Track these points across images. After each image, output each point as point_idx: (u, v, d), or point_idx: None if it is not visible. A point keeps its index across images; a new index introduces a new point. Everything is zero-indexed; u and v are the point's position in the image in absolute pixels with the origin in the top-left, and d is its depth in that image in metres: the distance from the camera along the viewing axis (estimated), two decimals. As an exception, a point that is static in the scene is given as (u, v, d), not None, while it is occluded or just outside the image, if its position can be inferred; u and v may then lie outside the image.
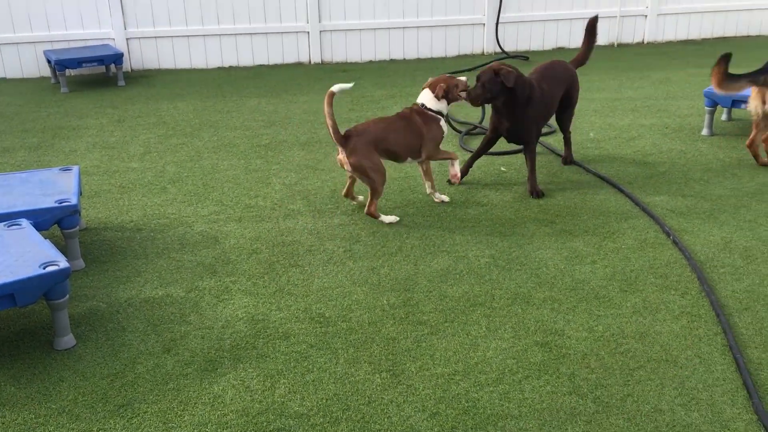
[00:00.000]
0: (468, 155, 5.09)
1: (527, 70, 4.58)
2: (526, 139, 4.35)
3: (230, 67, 8.45)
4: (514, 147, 5.23)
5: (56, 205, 3.33)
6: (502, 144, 5.35)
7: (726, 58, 4.59)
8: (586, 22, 5.03)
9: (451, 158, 4.20)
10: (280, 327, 2.93)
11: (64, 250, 3.41)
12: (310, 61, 8.65)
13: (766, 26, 9.96)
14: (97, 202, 4.33)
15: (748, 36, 9.91)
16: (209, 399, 2.48)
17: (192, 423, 2.36)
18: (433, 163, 4.56)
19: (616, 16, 9.28)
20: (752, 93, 4.59)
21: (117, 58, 7.38)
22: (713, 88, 4.72)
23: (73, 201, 3.38)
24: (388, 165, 4.55)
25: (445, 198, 4.26)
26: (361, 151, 3.90)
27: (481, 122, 5.79)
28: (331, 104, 3.86)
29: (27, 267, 2.68)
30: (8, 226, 3.07)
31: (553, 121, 5.88)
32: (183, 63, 8.31)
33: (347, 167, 3.94)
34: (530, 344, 2.78)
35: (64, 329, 2.78)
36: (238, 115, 6.36)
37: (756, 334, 2.83)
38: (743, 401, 2.44)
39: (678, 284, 3.23)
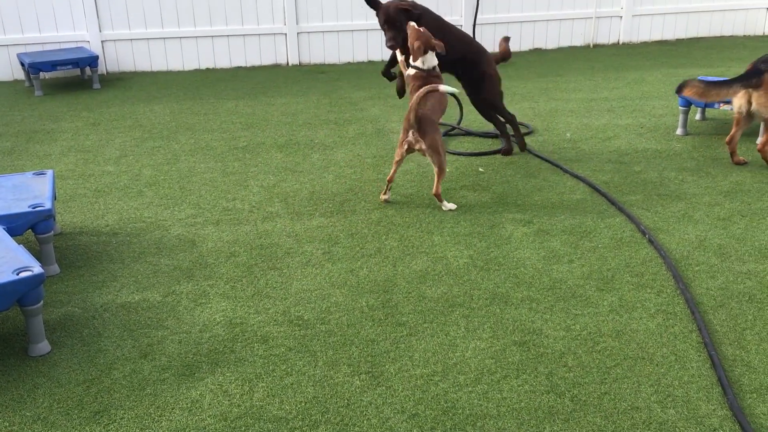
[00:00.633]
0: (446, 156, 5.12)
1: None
2: None
3: (207, 69, 8.41)
4: (492, 148, 5.26)
5: (30, 209, 3.29)
6: (480, 144, 5.38)
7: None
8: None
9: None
10: (258, 330, 2.92)
11: (38, 256, 3.37)
12: (287, 63, 8.63)
13: (738, 27, 10.11)
14: (73, 207, 4.28)
15: (721, 36, 10.05)
16: (187, 404, 2.46)
17: (169, 428, 2.34)
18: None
19: (591, 17, 9.36)
20: (739, 93, 4.64)
21: (92, 60, 7.30)
22: (696, 99, 4.82)
23: (47, 205, 3.33)
24: (368, 166, 4.54)
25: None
26: (432, 130, 4.05)
27: (458, 123, 5.81)
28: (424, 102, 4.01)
29: (1, 273, 2.64)
30: (-20, 232, 3.02)
31: (528, 119, 5.92)
32: (159, 65, 8.24)
33: (422, 146, 4.03)
34: (508, 344, 2.79)
35: (39, 335, 2.75)
36: (216, 117, 6.33)
37: (730, 331, 2.87)
38: (718, 398, 2.47)
39: (654, 282, 3.26)
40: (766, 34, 10.21)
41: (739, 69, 5.49)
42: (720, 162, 4.87)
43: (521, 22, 9.17)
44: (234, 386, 2.56)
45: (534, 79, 7.60)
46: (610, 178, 4.61)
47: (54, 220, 3.45)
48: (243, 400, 2.48)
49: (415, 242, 3.72)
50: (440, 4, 8.83)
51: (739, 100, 4.65)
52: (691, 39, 9.88)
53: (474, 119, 6.03)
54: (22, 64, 7.39)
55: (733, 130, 4.78)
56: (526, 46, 9.32)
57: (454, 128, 5.71)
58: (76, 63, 7.26)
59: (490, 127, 5.73)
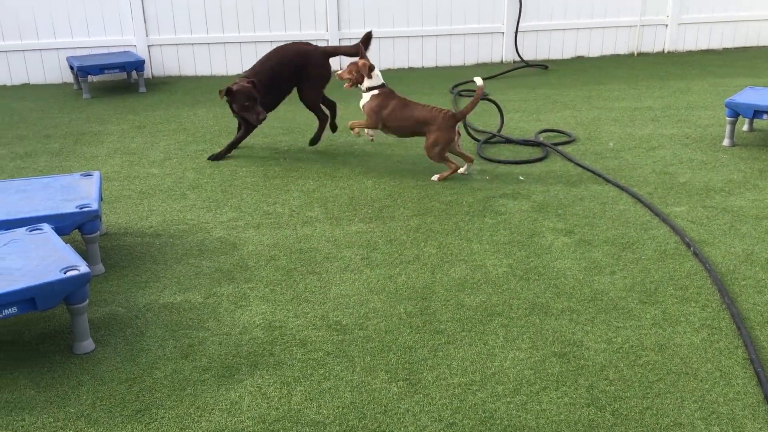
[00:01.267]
0: (486, 164, 5.09)
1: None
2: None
3: (250, 74, 8.50)
4: (533, 156, 5.22)
5: (77, 210, 3.36)
6: (521, 152, 5.34)
7: None
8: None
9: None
10: (297, 334, 2.94)
11: (84, 255, 3.44)
12: (329, 69, 8.68)
13: (788, 36, 9.86)
14: (118, 208, 4.37)
15: (770, 46, 9.82)
16: (226, 405, 2.49)
17: (209, 429, 2.37)
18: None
19: (636, 25, 9.23)
20: None
21: (138, 64, 7.46)
22: None
23: (94, 206, 3.41)
24: (406, 172, 4.54)
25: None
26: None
27: (499, 131, 5.78)
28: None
29: (48, 271, 2.71)
30: (30, 231, 3.10)
31: (570, 128, 5.85)
32: (203, 70, 8.38)
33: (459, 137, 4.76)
34: (548, 355, 2.76)
35: (84, 334, 2.81)
36: (257, 122, 6.38)
37: (778, 348, 2.79)
38: (764, 416, 2.40)
39: (698, 296, 3.19)
40: (817, 43, 9.94)
41: (790, 79, 5.35)
42: (768, 174, 4.76)
43: (563, 29, 9.09)
44: (272, 389, 2.58)
45: (576, 87, 7.52)
46: (654, 188, 4.53)
47: (100, 220, 3.53)
48: (281, 403, 2.50)
49: (453, 250, 3.71)
50: (482, 13, 8.81)
51: None
52: (738, 48, 9.66)
53: (515, 127, 5.99)
54: (71, 68, 7.57)
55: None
56: (568, 54, 9.23)
57: (494, 136, 5.68)
58: (123, 67, 7.42)
59: (530, 135, 5.69)
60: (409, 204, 4.36)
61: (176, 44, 8.20)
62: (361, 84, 4.92)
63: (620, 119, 6.24)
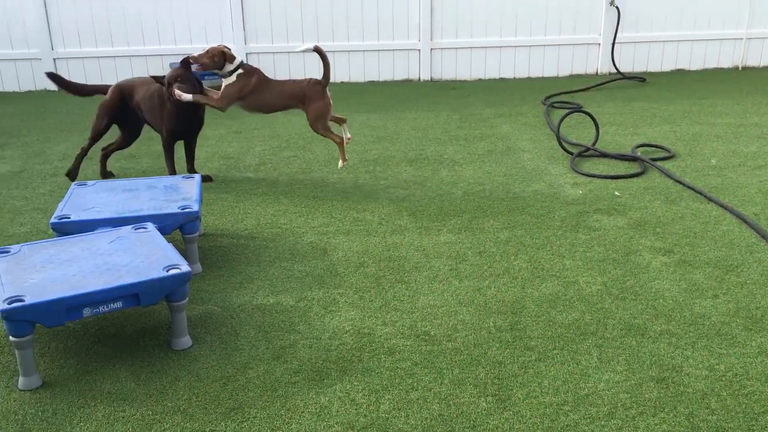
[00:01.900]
0: (580, 178, 4.97)
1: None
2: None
3: (342, 82, 8.65)
4: (629, 171, 5.06)
5: (179, 211, 3.50)
6: (616, 167, 5.18)
7: None
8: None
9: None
10: (385, 342, 2.95)
11: (183, 254, 3.57)
12: (419, 78, 8.72)
13: None
14: (215, 209, 4.52)
15: None
16: (316, 409, 2.52)
17: (299, 431, 2.40)
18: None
19: (741, 38, 8.81)
20: None
21: (236, 71, 7.70)
22: None
23: (195, 208, 3.53)
24: (497, 184, 4.47)
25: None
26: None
27: (594, 144, 5.63)
28: None
29: (152, 269, 2.83)
30: (135, 229, 3.25)
31: (669, 143, 5.64)
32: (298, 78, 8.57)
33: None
34: (645, 379, 2.66)
35: (182, 330, 2.91)
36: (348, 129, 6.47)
37: None
38: None
39: (810, 326, 3.00)
40: None
41: None
42: None
43: (663, 41, 8.78)
44: (361, 396, 2.59)
45: (676, 101, 7.24)
46: (761, 209, 4.30)
47: (200, 221, 3.65)
48: (369, 411, 2.51)
49: (545, 265, 3.63)
50: (578, 24, 8.63)
51: None
52: None
53: (610, 141, 5.83)
54: (174, 74, 7.91)
55: None
56: (667, 67, 8.91)
57: (588, 149, 5.54)
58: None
59: (627, 149, 5.52)
60: (499, 216, 4.30)
61: (273, 53, 8.43)
62: (221, 70, 4.71)
63: (723, 135, 5.97)
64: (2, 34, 8.09)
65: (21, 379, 2.65)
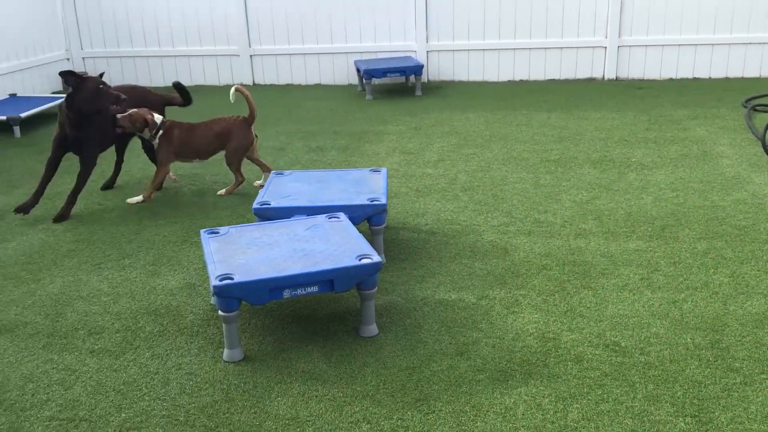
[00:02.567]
0: (789, 188, 4.52)
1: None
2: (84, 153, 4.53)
3: (521, 80, 8.52)
4: None
5: (368, 202, 3.61)
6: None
7: None
8: None
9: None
10: (571, 349, 2.86)
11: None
12: (603, 77, 8.38)
13: None
14: (396, 203, 4.62)
15: None
16: (501, 409, 2.50)
17: (484, 430, 2.40)
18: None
19: None
20: None
21: (418, 69, 7.84)
22: None
23: (383, 200, 3.63)
24: (692, 191, 4.20)
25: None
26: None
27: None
28: None
29: (346, 257, 2.94)
30: (329, 218, 3.40)
31: None
32: (476, 75, 8.56)
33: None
34: None
35: (370, 318, 3.01)
36: (528, 128, 6.37)
37: None
38: None
39: None
40: None
41: None
42: None
43: None
44: (547, 401, 2.53)
45: None
46: None
47: (386, 213, 3.75)
48: (557, 418, 2.44)
49: (750, 281, 3.34)
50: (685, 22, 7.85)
51: None
52: None
53: None
54: (358, 70, 8.20)
55: None
56: None
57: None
58: (403, 71, 7.86)
59: None
60: (695, 225, 4.02)
61: (453, 50, 8.48)
62: (141, 133, 4.72)
63: None
64: (207, 32, 8.82)
65: (226, 351, 2.87)
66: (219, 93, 8.54)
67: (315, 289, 2.87)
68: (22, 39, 8.23)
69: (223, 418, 2.50)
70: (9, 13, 8.03)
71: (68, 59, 9.04)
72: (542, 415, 2.46)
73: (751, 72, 8.11)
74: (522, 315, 3.14)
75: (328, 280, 2.86)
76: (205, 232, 3.26)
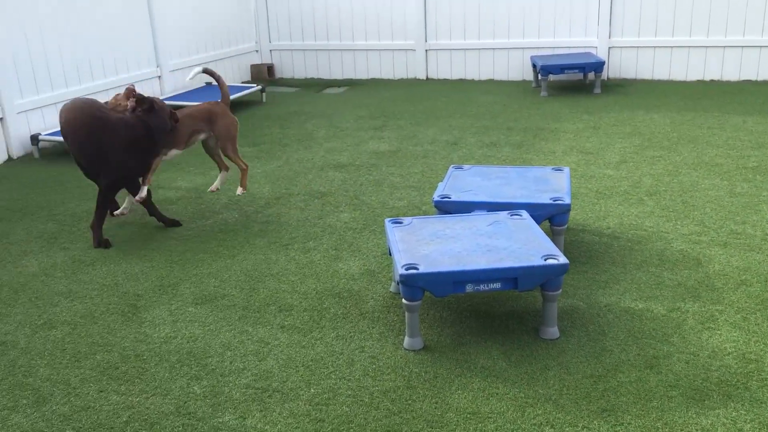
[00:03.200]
0: None
1: None
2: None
3: (711, 80, 7.93)
4: None
5: (551, 202, 3.52)
6: None
7: None
8: None
9: None
10: (778, 374, 2.61)
11: (550, 245, 3.59)
12: (809, 79, 7.60)
13: None
14: (575, 204, 4.47)
15: None
16: (697, 430, 2.33)
17: (677, 450, 2.25)
18: None
19: None
20: None
21: (598, 66, 7.54)
22: None
23: (567, 200, 3.52)
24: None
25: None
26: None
27: None
28: None
29: (531, 256, 2.88)
30: (511, 216, 3.35)
31: None
32: (661, 74, 8.09)
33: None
34: None
35: (552, 320, 2.93)
36: (721, 132, 5.92)
37: None
38: None
39: None
40: None
41: None
42: None
43: None
44: (749, 427, 2.33)
45: None
46: None
47: (568, 214, 3.63)
48: (763, 447, 2.24)
49: None
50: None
51: None
52: None
53: None
54: (534, 66, 8.02)
55: None
56: None
57: None
58: (582, 68, 7.59)
59: None
60: None
61: (637, 47, 8.07)
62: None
63: None
64: (385, 27, 9.03)
65: (406, 339, 2.92)
66: (393, 86, 8.72)
67: (498, 285, 2.84)
68: (219, 31, 8.88)
69: (405, 404, 2.55)
70: (211, 7, 8.69)
71: (257, 51, 9.63)
72: (745, 442, 2.27)
73: None
74: (719, 332, 2.92)
75: (513, 278, 2.82)
76: (389, 221, 3.33)
